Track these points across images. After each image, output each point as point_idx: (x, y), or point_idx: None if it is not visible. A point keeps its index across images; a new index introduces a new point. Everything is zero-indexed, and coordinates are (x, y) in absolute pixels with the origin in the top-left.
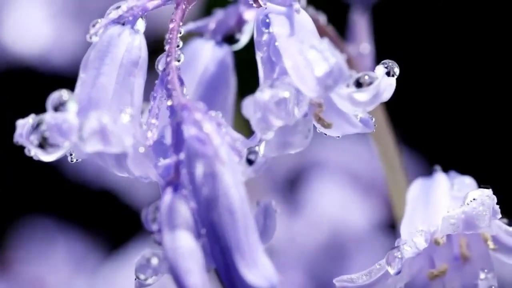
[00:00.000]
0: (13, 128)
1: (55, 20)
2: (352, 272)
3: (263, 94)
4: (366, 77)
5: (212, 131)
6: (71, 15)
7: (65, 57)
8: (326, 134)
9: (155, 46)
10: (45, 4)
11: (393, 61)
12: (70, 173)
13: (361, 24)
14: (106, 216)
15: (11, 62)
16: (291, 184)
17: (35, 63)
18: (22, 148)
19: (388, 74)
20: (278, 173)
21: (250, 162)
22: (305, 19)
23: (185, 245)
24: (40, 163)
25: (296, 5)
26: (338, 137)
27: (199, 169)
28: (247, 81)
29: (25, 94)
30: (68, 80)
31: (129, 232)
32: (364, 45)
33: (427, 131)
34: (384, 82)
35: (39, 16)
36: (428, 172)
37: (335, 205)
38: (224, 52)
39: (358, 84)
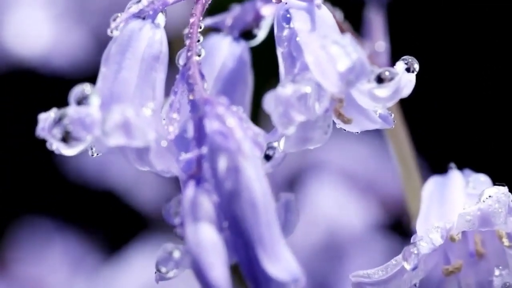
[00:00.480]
0: (14, 129)
1: (56, 22)
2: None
3: (285, 89)
4: (387, 73)
5: (235, 125)
6: (72, 16)
7: (66, 58)
8: (345, 130)
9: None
10: (46, 6)
11: (412, 57)
12: (70, 173)
13: (376, 21)
14: (107, 217)
15: (12, 64)
16: (290, 184)
17: (36, 65)
18: (22, 148)
19: (408, 70)
20: (276, 173)
21: (267, 157)
22: (326, 14)
23: (208, 239)
24: (40, 163)
25: (317, 0)
26: (357, 132)
27: (222, 163)
28: (261, 77)
29: (26, 96)
30: (69, 81)
31: (129, 232)
32: (379, 42)
33: (442, 129)
34: (405, 78)
35: (40, 17)
36: (442, 170)
37: (333, 205)
38: (242, 48)
39: (379, 80)
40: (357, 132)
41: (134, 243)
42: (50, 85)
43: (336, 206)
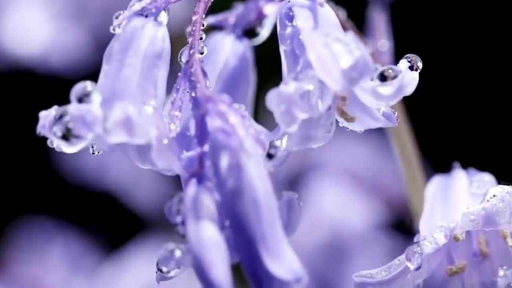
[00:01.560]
0: (12, 129)
1: (54, 22)
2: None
3: (288, 86)
4: (390, 71)
5: (237, 123)
6: (71, 16)
7: (64, 58)
8: (348, 129)
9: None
10: (44, 6)
11: (416, 56)
12: (69, 173)
13: (379, 20)
14: (105, 217)
15: (10, 63)
16: (292, 184)
17: (34, 64)
18: (21, 148)
19: (411, 68)
20: (279, 173)
21: (269, 156)
22: (328, 12)
23: (210, 237)
24: (39, 163)
25: None
26: (360, 131)
27: (224, 161)
28: (264, 75)
29: (24, 96)
30: (67, 81)
31: (128, 233)
32: (382, 41)
33: (446, 128)
34: (408, 76)
35: (39, 17)
36: (446, 169)
37: (336, 205)
38: (244, 47)
39: (382, 78)
40: (360, 131)
41: (132, 244)
42: (48, 85)
43: (340, 206)
